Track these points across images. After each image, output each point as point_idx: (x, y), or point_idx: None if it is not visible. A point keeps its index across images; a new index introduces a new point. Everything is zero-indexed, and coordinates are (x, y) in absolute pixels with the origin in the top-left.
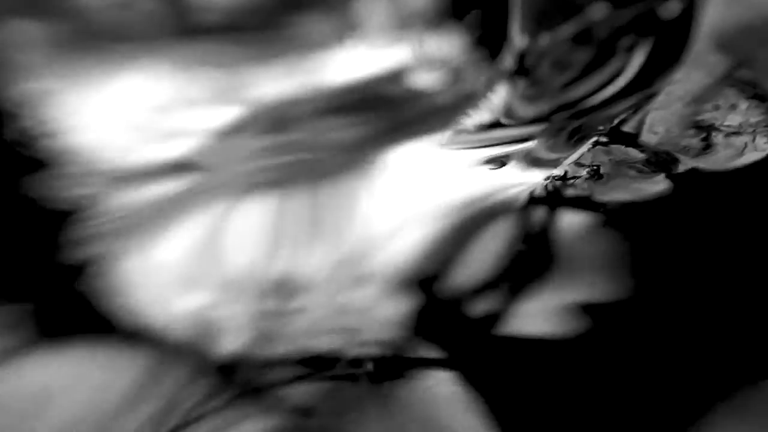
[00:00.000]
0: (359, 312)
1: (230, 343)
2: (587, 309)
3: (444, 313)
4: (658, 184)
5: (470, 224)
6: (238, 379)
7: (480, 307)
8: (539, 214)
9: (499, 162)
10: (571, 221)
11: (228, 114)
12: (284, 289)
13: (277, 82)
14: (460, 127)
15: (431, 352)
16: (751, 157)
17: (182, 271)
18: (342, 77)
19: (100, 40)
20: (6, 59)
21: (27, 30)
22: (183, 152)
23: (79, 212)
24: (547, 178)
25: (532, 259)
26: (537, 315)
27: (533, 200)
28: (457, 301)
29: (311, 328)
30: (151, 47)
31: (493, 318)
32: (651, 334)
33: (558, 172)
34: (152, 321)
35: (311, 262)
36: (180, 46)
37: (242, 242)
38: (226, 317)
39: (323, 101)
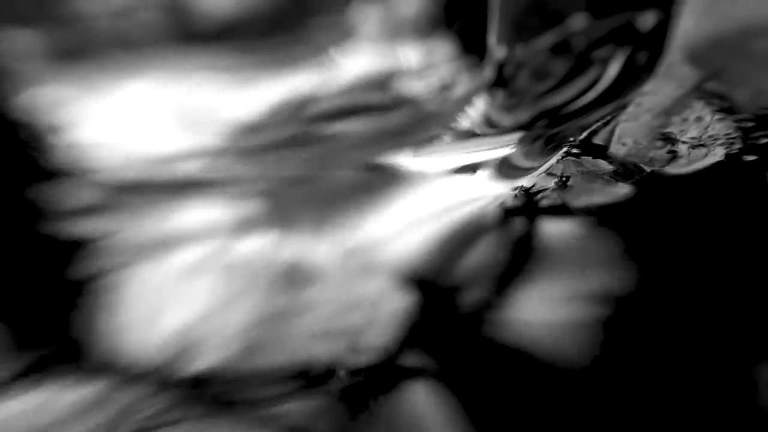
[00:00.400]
0: (366, 306)
1: (207, 359)
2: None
3: (440, 319)
4: (624, 189)
5: (455, 235)
6: (210, 392)
7: (474, 313)
8: (518, 223)
9: (474, 170)
10: (552, 227)
11: (231, 118)
12: (293, 280)
13: (277, 87)
14: (441, 134)
15: (422, 361)
16: (704, 163)
17: (181, 282)
18: (338, 81)
19: (101, 48)
20: (9, 68)
21: (28, 39)
22: (190, 158)
23: (85, 225)
24: (515, 188)
25: (519, 267)
26: (532, 322)
27: (509, 211)
28: (452, 308)
29: (311, 332)
30: (153, 55)
31: (487, 325)
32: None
33: (526, 183)
34: (128, 346)
35: (319, 251)
36: (182, 54)
37: (250, 237)
38: (211, 331)
39: (322, 105)
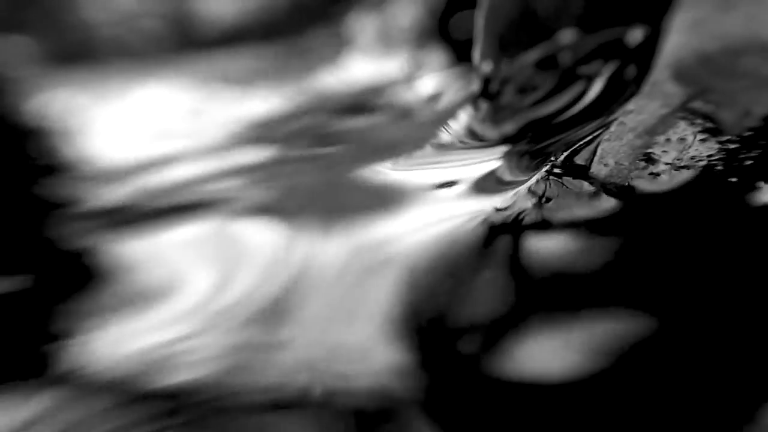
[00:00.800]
0: (351, 355)
1: (183, 376)
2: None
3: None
4: (603, 204)
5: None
6: (184, 407)
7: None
8: (503, 242)
9: (457, 184)
10: (536, 244)
11: (232, 126)
12: (273, 318)
13: (278, 94)
14: (426, 144)
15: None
16: (683, 178)
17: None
18: (336, 88)
19: (106, 56)
20: (15, 75)
21: (34, 46)
22: (190, 165)
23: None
24: (495, 207)
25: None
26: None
27: (492, 229)
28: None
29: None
30: (153, 61)
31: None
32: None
33: (505, 202)
34: (100, 359)
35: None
36: (182, 61)
37: (243, 262)
38: (188, 350)
39: (320, 112)
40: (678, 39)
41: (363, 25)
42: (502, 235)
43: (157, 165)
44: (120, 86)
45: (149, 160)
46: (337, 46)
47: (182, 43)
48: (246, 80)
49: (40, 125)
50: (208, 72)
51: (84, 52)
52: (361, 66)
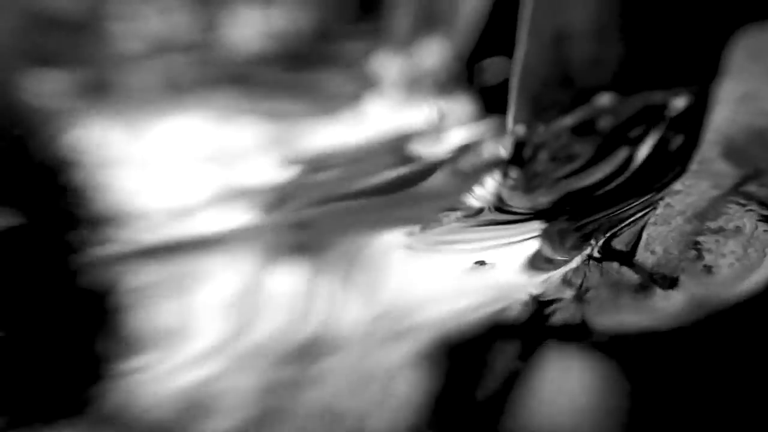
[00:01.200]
0: (382, 379)
1: (220, 424)
2: None
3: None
4: (652, 311)
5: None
6: None
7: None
8: (527, 345)
9: (481, 264)
10: (557, 354)
11: (264, 162)
12: (310, 352)
13: (305, 133)
14: (452, 212)
15: None
16: (753, 282)
17: (202, 335)
18: (362, 132)
19: (132, 90)
20: (47, 109)
21: (66, 79)
22: (221, 200)
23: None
24: (529, 296)
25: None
26: None
27: (520, 325)
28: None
29: (321, 408)
30: (186, 95)
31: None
32: None
33: (539, 291)
34: (143, 396)
35: (345, 319)
36: (208, 96)
37: (274, 302)
38: (227, 391)
39: (347, 154)
40: (726, 113)
41: (387, 66)
42: (530, 331)
43: (184, 207)
44: (152, 118)
45: (177, 204)
46: (360, 89)
47: (210, 78)
48: (279, 117)
49: (74, 158)
50: (235, 105)
51: (116, 84)
52: (383, 112)
